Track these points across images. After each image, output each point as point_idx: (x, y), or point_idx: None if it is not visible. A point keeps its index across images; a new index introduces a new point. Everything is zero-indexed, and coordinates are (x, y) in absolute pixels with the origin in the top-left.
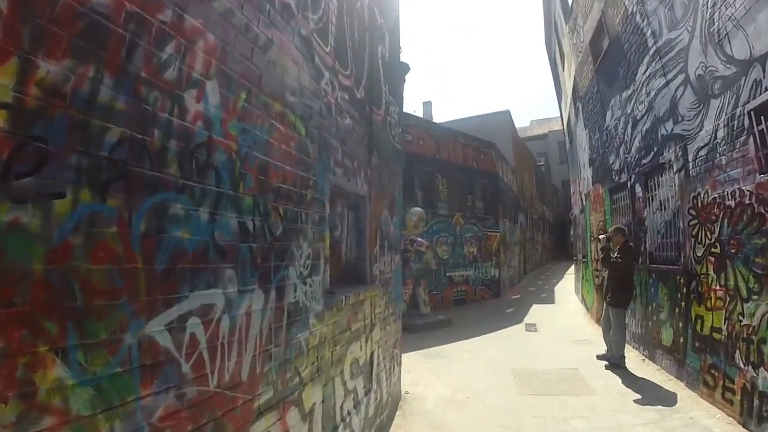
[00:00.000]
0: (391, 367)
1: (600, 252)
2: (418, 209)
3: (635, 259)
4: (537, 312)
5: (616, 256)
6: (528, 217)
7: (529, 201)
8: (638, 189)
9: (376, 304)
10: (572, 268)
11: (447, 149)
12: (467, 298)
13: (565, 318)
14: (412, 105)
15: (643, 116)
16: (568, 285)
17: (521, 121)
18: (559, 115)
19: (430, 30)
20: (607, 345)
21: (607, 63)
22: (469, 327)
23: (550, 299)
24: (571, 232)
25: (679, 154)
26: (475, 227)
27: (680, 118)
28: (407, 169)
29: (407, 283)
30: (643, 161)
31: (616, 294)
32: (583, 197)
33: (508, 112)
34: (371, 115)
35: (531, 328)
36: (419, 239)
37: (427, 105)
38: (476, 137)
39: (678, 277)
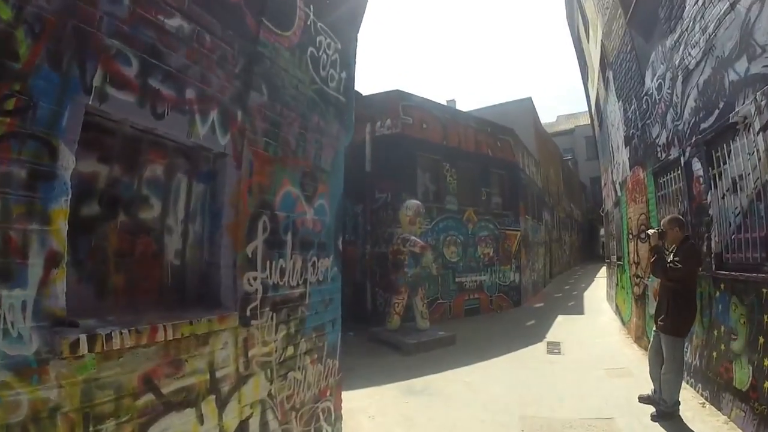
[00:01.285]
0: None
1: (650, 254)
2: (414, 202)
3: (700, 264)
4: (563, 326)
5: (673, 260)
6: (554, 215)
7: (555, 197)
8: (696, 165)
9: (253, 341)
10: (603, 271)
11: (456, 134)
12: (481, 307)
13: (596, 334)
14: None
15: (698, 63)
16: (599, 290)
17: (547, 116)
18: (586, 108)
19: (454, 31)
20: (654, 384)
21: (642, 9)
22: (476, 346)
23: (578, 308)
24: (602, 231)
25: (763, 104)
26: (490, 225)
27: (758, 51)
28: (407, 158)
29: (400, 292)
30: (703, 126)
31: (674, 315)
32: (618, 187)
33: (529, 99)
34: (259, 33)
35: (554, 348)
36: (413, 238)
37: (451, 103)
38: (491, 121)
39: (763, 291)
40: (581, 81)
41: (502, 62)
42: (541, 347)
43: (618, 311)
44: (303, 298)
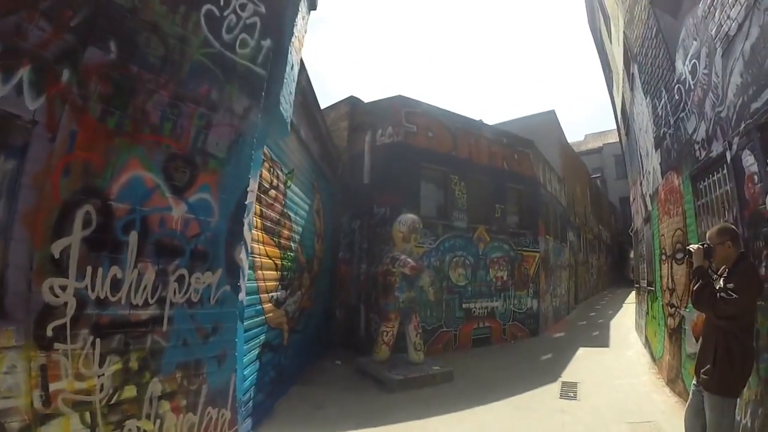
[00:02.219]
0: None
1: (691, 278)
2: (409, 216)
3: (761, 292)
4: (583, 361)
5: (725, 287)
6: (581, 236)
7: (582, 218)
8: (748, 160)
9: (58, 371)
10: (632, 296)
11: (467, 145)
12: (492, 337)
13: (621, 373)
14: None
15: (741, 26)
16: (626, 318)
17: (575, 136)
18: (615, 126)
19: (479, 51)
20: None
21: None
22: (477, 385)
23: (603, 339)
24: (632, 253)
25: None
26: (505, 245)
27: None
28: (410, 169)
29: (389, 319)
30: (755, 105)
31: (723, 367)
32: (648, 200)
33: (553, 112)
34: None
35: (569, 391)
36: (403, 257)
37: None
38: (507, 131)
39: None
40: (608, 94)
41: (527, 82)
42: (553, 389)
43: (648, 344)
44: (156, 324)
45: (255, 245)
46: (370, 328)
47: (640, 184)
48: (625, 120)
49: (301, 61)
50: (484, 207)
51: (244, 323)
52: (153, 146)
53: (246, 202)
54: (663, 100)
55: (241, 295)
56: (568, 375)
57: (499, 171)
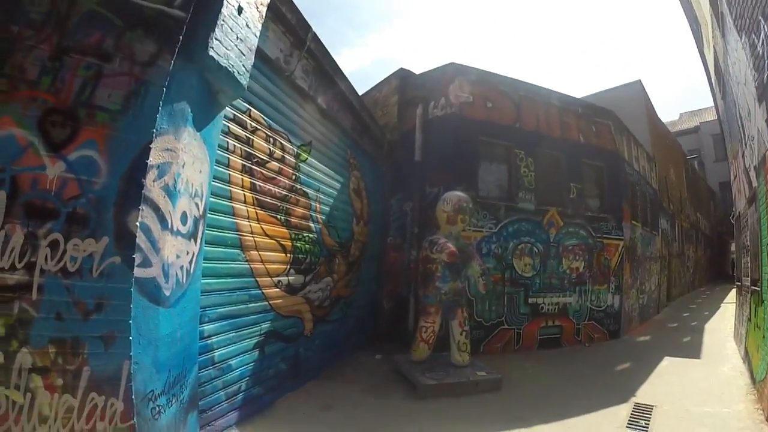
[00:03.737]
0: None
1: None
2: (454, 194)
3: None
4: (665, 375)
5: None
6: (676, 224)
7: (677, 204)
8: None
9: None
10: (732, 294)
11: (534, 115)
12: (564, 338)
13: (710, 397)
14: None
15: None
16: (724, 322)
17: (668, 115)
18: (711, 100)
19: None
20: None
21: None
22: (527, 399)
23: (694, 348)
24: (733, 245)
25: None
26: (581, 231)
27: None
28: (465, 144)
29: (429, 313)
30: None
31: None
32: (753, 174)
33: (639, 82)
34: None
35: (640, 419)
36: (442, 240)
37: None
38: (582, 100)
39: None
40: (700, 61)
41: (609, 57)
42: (621, 413)
43: (747, 360)
44: (24, 291)
45: (241, 222)
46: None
47: (742, 155)
48: (719, 80)
49: (309, 28)
50: (556, 186)
51: (230, 308)
52: (28, 102)
53: (150, 162)
54: (763, 32)
55: (148, 271)
56: (643, 394)
57: (574, 145)
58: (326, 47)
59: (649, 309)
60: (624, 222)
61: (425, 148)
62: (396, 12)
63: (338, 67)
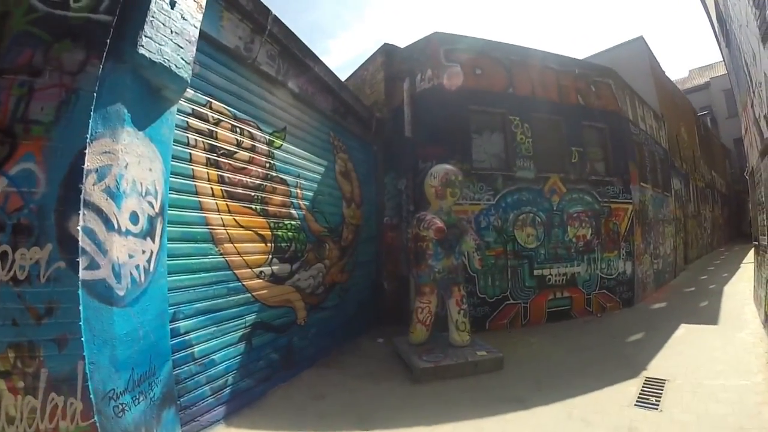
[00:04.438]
0: None
1: None
2: (441, 167)
3: None
4: (680, 344)
5: None
6: (690, 184)
7: (690, 163)
8: None
9: None
10: (751, 255)
11: (528, 79)
12: (574, 309)
13: (727, 368)
14: None
15: None
16: (743, 284)
17: (676, 73)
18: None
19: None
20: None
21: None
22: (530, 377)
23: (711, 313)
24: (750, 201)
25: None
26: (586, 197)
27: None
28: (456, 115)
29: (423, 293)
30: None
31: None
32: (764, 123)
33: (641, 39)
34: None
35: (650, 395)
36: (429, 217)
37: None
38: (578, 59)
39: None
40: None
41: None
42: (631, 389)
43: None
44: None
45: (211, 215)
46: None
47: (752, 105)
48: (722, 26)
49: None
50: (556, 151)
51: (207, 303)
52: None
53: (88, 166)
54: None
55: (96, 273)
56: (656, 367)
57: (573, 107)
58: (291, 30)
59: (665, 274)
60: (632, 184)
61: (415, 122)
62: None
63: (308, 49)
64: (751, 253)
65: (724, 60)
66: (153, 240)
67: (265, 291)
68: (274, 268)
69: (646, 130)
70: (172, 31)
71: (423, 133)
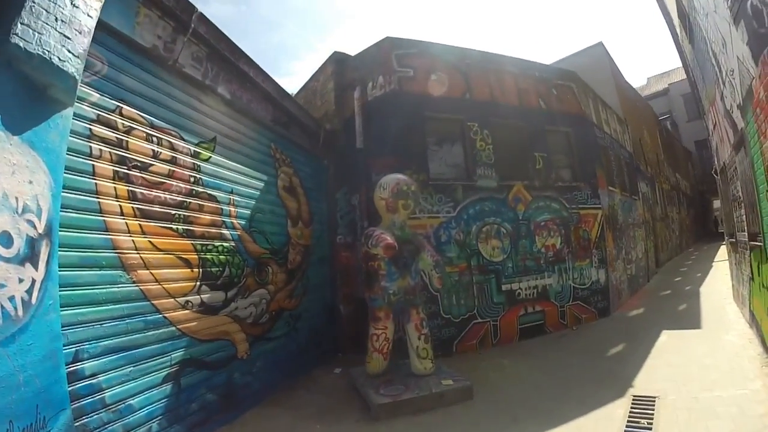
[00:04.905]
0: None
1: None
2: (391, 177)
3: None
4: (666, 354)
5: None
6: (656, 187)
7: (654, 166)
8: None
9: None
10: (722, 252)
11: (485, 84)
12: (547, 324)
13: (720, 377)
14: None
15: None
16: (719, 283)
17: (636, 81)
18: (678, 63)
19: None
20: None
21: None
22: (504, 407)
23: (692, 316)
24: (716, 202)
25: None
26: (553, 204)
27: None
28: (410, 122)
29: (377, 318)
30: None
31: None
32: (737, 114)
33: (601, 45)
34: None
35: (640, 418)
36: (377, 233)
37: None
38: (539, 63)
39: None
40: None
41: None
42: (618, 412)
43: (755, 325)
44: None
45: (119, 237)
46: None
47: (721, 98)
48: (684, 22)
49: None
50: (519, 158)
51: (119, 339)
52: None
53: None
54: None
55: None
56: (643, 383)
57: (535, 112)
58: (221, 30)
59: (639, 279)
60: (600, 189)
61: (367, 133)
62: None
63: (241, 51)
64: (721, 250)
65: (685, 61)
66: (35, 266)
67: (194, 323)
68: (204, 296)
69: (611, 134)
70: (57, 19)
71: (376, 143)
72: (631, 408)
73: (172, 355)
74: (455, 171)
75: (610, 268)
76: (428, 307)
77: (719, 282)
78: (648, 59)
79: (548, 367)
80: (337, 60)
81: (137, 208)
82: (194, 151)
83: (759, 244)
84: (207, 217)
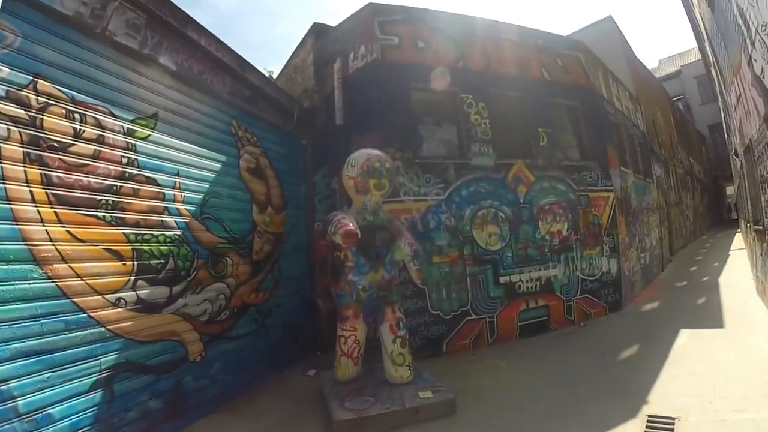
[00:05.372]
0: None
1: None
2: (361, 153)
3: None
4: (686, 359)
5: None
6: (670, 171)
7: (668, 149)
8: None
9: None
10: (738, 239)
11: (481, 52)
12: (551, 320)
13: (753, 391)
14: None
15: None
16: (738, 273)
17: (648, 64)
18: (692, 45)
19: None
20: None
21: None
22: (493, 425)
23: (713, 313)
24: (735, 184)
25: None
26: (559, 185)
27: None
28: (395, 95)
29: (345, 317)
30: None
31: None
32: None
33: (610, 19)
34: None
35: None
36: (338, 217)
37: None
38: (542, 31)
39: None
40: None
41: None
42: None
43: None
44: None
45: (30, 227)
46: None
47: (748, 63)
48: None
49: None
50: (520, 134)
51: (34, 341)
52: None
53: None
54: None
55: None
56: (660, 397)
57: (538, 83)
58: None
59: (653, 268)
60: (611, 169)
61: (348, 108)
62: None
63: (188, 17)
64: (737, 238)
65: (699, 36)
66: None
67: (130, 323)
68: (142, 292)
69: (623, 111)
70: None
71: (357, 119)
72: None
73: (103, 359)
74: (446, 148)
75: (623, 257)
76: (414, 302)
77: (739, 273)
78: (659, 42)
79: (550, 373)
80: (317, 32)
81: (52, 193)
82: (128, 128)
83: None
84: (143, 203)
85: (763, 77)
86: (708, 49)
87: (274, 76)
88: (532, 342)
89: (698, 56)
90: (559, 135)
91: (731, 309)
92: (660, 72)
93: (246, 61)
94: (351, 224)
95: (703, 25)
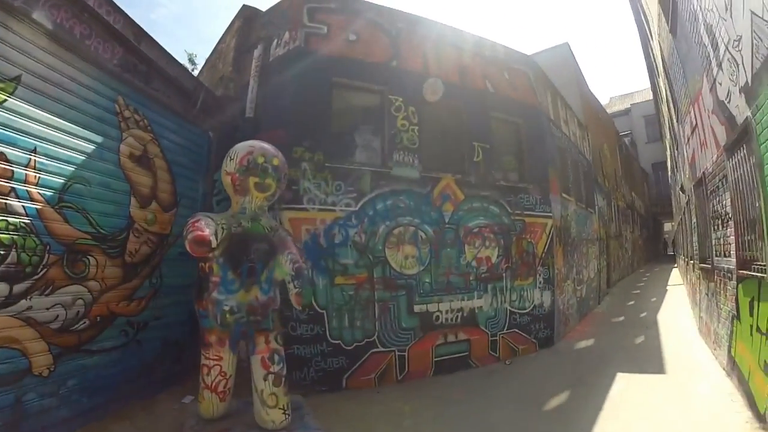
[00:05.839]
0: None
1: None
2: (245, 144)
3: None
4: (622, 415)
5: None
6: (612, 203)
7: (612, 181)
8: None
9: None
10: (675, 275)
11: (418, 53)
12: (473, 356)
13: None
14: None
15: None
16: (677, 309)
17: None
18: (640, 87)
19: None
20: None
21: None
22: None
23: (652, 355)
24: (675, 221)
25: None
26: (492, 207)
27: None
28: (315, 89)
29: (208, 343)
30: None
31: None
32: (742, 99)
33: (566, 45)
34: None
35: None
36: (194, 219)
37: None
38: (489, 40)
39: None
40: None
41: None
42: None
43: (737, 374)
44: None
45: None
46: None
47: (711, 87)
48: (666, 11)
49: None
50: (453, 146)
51: None
52: None
53: None
54: None
55: None
56: None
57: (479, 93)
58: None
59: (589, 301)
60: (552, 194)
61: (262, 99)
62: None
63: None
64: (674, 273)
65: (658, 67)
66: None
67: None
68: None
69: (570, 136)
70: None
71: (269, 113)
72: None
73: None
74: (365, 154)
75: (558, 289)
76: (310, 327)
77: (677, 310)
78: (610, 81)
79: (462, 422)
80: (246, 16)
81: None
82: None
83: (756, 274)
84: None
85: (728, 102)
86: (662, 83)
87: (199, 60)
88: (447, 381)
89: (649, 96)
90: (497, 152)
91: (672, 351)
92: (610, 108)
93: (145, 32)
94: (206, 229)
95: (661, 55)
